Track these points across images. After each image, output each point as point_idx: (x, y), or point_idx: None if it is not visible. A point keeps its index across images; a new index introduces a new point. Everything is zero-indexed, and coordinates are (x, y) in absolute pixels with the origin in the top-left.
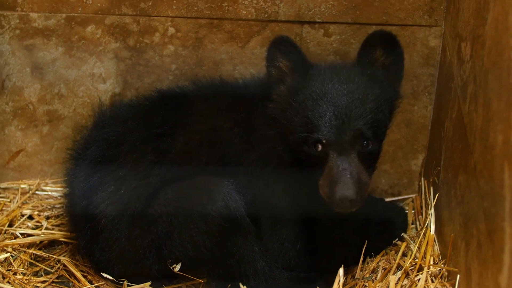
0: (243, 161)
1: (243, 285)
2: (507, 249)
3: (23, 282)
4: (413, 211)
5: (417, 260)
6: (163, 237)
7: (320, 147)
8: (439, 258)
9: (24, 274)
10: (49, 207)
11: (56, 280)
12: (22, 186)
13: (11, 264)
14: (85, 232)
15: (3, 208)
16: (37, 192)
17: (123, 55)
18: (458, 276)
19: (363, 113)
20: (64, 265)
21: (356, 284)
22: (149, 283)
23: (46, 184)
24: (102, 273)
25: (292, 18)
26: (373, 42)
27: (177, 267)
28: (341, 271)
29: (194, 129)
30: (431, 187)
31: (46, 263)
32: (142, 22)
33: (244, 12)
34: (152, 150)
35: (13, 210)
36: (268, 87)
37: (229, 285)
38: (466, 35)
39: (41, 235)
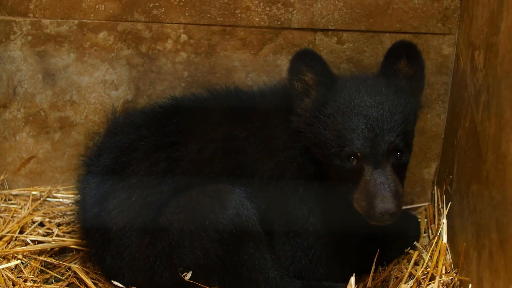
0: (258, 170)
1: None
2: None
3: None
4: (425, 220)
5: (429, 269)
6: (174, 245)
7: (354, 161)
8: (451, 267)
9: (34, 282)
10: (60, 214)
11: (66, 287)
12: (33, 193)
13: (22, 271)
14: (96, 239)
15: (14, 215)
16: (48, 199)
17: (135, 62)
18: (470, 285)
19: (395, 124)
20: (75, 273)
21: None
22: None
23: (58, 191)
24: (112, 281)
25: (305, 25)
26: (397, 53)
27: (187, 275)
28: (352, 280)
29: (208, 138)
30: (444, 196)
31: (56, 270)
32: (154, 29)
33: (257, 19)
34: (165, 158)
35: (24, 217)
36: (291, 100)
37: None
38: (480, 44)
39: (52, 242)
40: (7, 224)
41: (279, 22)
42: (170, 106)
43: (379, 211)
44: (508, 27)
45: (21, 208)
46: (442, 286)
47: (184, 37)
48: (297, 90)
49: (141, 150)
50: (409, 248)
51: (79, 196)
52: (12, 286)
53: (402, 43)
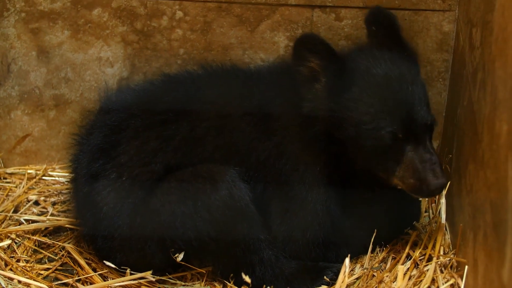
0: (255, 150)
1: (247, 274)
2: (509, 242)
3: (26, 270)
4: (426, 199)
5: (427, 249)
6: (165, 226)
7: (393, 140)
8: (449, 248)
9: (27, 262)
10: (55, 192)
11: (59, 267)
12: (29, 171)
13: (15, 251)
14: (87, 219)
15: (9, 194)
16: (43, 178)
17: (131, 39)
18: (466, 267)
19: (423, 97)
20: (69, 252)
21: (364, 274)
22: (150, 271)
23: (53, 170)
24: (104, 261)
25: (302, 2)
26: (378, 21)
27: (179, 257)
28: (347, 261)
29: (200, 116)
30: None
31: (50, 250)
32: (149, 6)
33: None
34: (156, 137)
35: (19, 196)
36: (297, 85)
37: (231, 274)
38: (477, 21)
39: (46, 221)
40: (2, 203)
41: None
42: (162, 84)
43: (434, 187)
44: (502, 4)
45: (16, 187)
46: (439, 267)
47: (179, 13)
48: (303, 76)
49: (131, 128)
50: (409, 228)
51: (71, 175)
52: (4, 266)
53: (379, 10)
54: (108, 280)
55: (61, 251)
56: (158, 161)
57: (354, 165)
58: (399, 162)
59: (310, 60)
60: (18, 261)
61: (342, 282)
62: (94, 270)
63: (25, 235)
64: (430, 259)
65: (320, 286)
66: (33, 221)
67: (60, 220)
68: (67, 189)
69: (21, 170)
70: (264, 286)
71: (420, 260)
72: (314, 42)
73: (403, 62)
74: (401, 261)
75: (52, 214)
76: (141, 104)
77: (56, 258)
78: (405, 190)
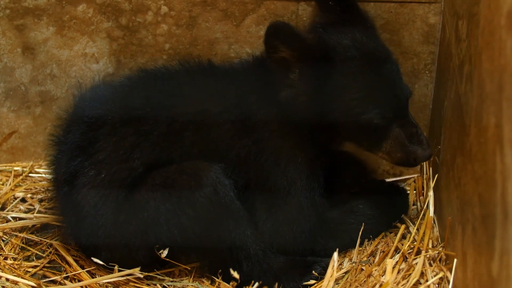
0: (234, 146)
1: (235, 270)
2: (498, 235)
3: (14, 267)
4: (414, 192)
5: (415, 243)
6: (149, 223)
7: (383, 118)
8: (438, 241)
9: (15, 259)
10: (42, 189)
11: (47, 264)
12: (15, 168)
13: (2, 248)
14: (70, 218)
15: None
16: (30, 175)
17: (116, 35)
18: (455, 260)
19: (399, 69)
20: (56, 250)
21: (352, 268)
22: (138, 268)
23: (40, 166)
24: (92, 258)
25: None
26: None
27: (164, 253)
28: (335, 255)
29: (178, 111)
30: (431, 168)
31: (38, 247)
32: (134, 1)
33: None
34: (133, 133)
35: (6, 193)
36: (272, 76)
37: (219, 270)
38: (463, 13)
39: (33, 218)
40: None
41: None
42: (139, 79)
43: (422, 159)
44: None
45: (2, 184)
46: (428, 260)
47: (164, 8)
48: (277, 66)
49: (108, 124)
50: (397, 221)
51: (52, 176)
52: None
53: None
54: (96, 277)
55: (49, 248)
56: (136, 157)
57: (337, 146)
58: (386, 138)
59: (281, 50)
60: (5, 258)
61: (331, 276)
62: (82, 267)
63: (13, 232)
64: (418, 252)
65: (309, 280)
66: (20, 219)
67: (47, 217)
68: (48, 189)
69: (7, 167)
70: (253, 282)
71: (408, 253)
72: (284, 31)
73: (373, 36)
74: (389, 255)
75: (39, 211)
76: (118, 99)
77: (44, 255)
78: (390, 162)
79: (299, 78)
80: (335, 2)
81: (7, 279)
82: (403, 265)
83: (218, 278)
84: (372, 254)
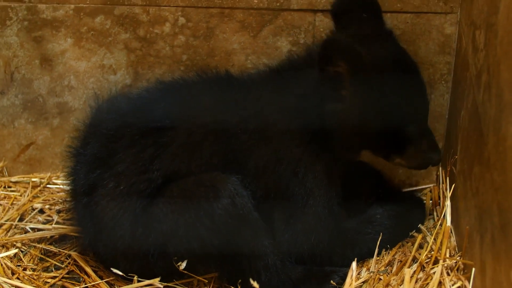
0: (252, 156)
1: (254, 281)
2: None
3: (33, 278)
4: (431, 201)
5: (433, 252)
6: (168, 235)
7: (418, 128)
8: (455, 250)
9: (34, 270)
10: (60, 200)
11: (66, 275)
12: (33, 179)
13: (21, 259)
14: (89, 229)
15: (14, 202)
16: (48, 186)
17: (133, 46)
18: (474, 269)
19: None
20: (75, 260)
21: (370, 278)
22: (158, 278)
23: (58, 177)
24: (112, 269)
25: (304, 6)
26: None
27: (182, 265)
28: (354, 264)
29: (197, 122)
30: (448, 178)
31: (56, 258)
32: (152, 12)
33: (256, 0)
34: (152, 144)
35: (24, 204)
36: (319, 87)
37: (240, 280)
38: (480, 23)
39: (52, 229)
40: (7, 211)
41: (278, 3)
42: (157, 91)
43: (437, 162)
44: (506, 6)
45: (20, 195)
46: (446, 269)
47: (182, 20)
48: (328, 81)
49: (127, 136)
50: (414, 231)
51: (70, 187)
52: (11, 275)
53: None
54: (115, 287)
55: (67, 259)
56: (155, 169)
57: (356, 156)
58: (410, 143)
59: (338, 65)
60: (24, 269)
61: (350, 286)
62: (101, 278)
63: (31, 243)
64: (436, 261)
65: None
66: (39, 230)
67: (66, 228)
68: (66, 200)
69: (25, 179)
70: None
71: (426, 262)
72: (344, 46)
73: (400, 47)
74: (407, 264)
75: (57, 222)
76: (137, 111)
77: (63, 266)
78: (407, 166)
79: (353, 92)
80: (366, 14)
81: None
82: (421, 275)
83: None
84: (390, 263)
